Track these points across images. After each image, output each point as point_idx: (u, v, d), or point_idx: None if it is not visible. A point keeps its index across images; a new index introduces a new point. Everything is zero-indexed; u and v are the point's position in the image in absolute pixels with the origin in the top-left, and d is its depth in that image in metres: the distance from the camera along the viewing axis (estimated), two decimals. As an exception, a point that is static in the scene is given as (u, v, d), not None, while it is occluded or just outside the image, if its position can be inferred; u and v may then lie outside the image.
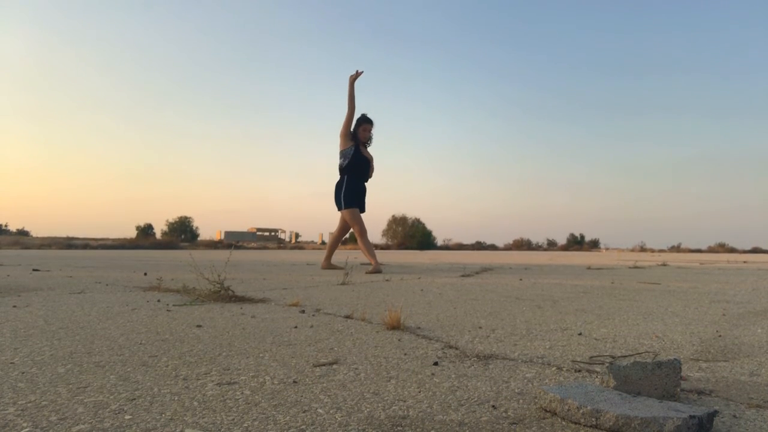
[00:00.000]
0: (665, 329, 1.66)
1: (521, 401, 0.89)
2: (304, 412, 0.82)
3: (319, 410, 0.82)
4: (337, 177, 4.98)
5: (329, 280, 3.56)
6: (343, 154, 4.89)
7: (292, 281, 3.53)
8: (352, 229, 5.02)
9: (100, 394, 0.90)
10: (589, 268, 6.22)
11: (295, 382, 0.99)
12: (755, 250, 35.89)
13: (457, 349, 1.32)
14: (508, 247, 43.97)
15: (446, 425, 0.77)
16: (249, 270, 4.98)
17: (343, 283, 3.25)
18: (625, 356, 1.25)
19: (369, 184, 5.09)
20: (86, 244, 22.84)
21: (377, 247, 30.42)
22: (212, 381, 0.99)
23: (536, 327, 1.67)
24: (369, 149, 5.05)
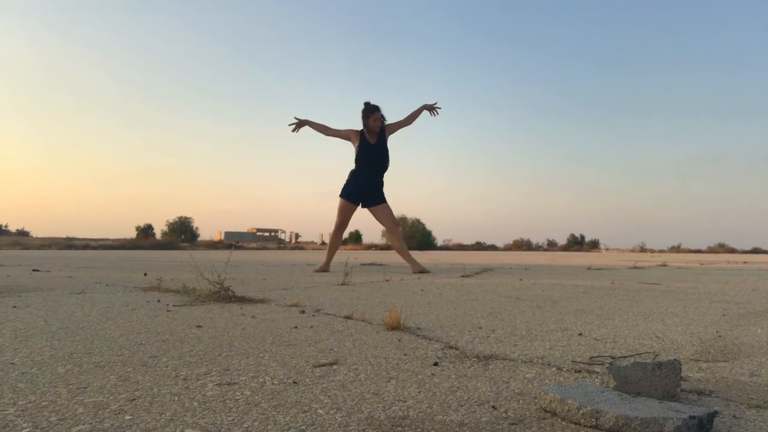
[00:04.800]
0: (665, 329, 1.66)
1: (521, 401, 0.89)
2: (304, 412, 0.82)
3: (319, 411, 0.82)
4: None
5: (329, 281, 3.56)
6: (354, 156, 4.87)
7: (292, 281, 3.53)
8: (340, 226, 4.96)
9: (100, 394, 0.90)
10: (589, 268, 6.22)
11: (295, 382, 0.99)
12: (755, 251, 35.87)
13: (457, 349, 1.32)
14: (508, 248, 43.98)
15: (446, 426, 0.77)
16: (249, 270, 4.98)
17: (343, 284, 3.25)
18: (625, 356, 1.25)
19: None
20: (86, 245, 22.84)
21: (378, 247, 30.41)
22: (212, 381, 0.99)
23: (536, 327, 1.67)
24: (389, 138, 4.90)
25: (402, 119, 4.99)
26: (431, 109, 5.03)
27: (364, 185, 4.81)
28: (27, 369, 1.07)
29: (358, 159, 4.80)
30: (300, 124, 4.84)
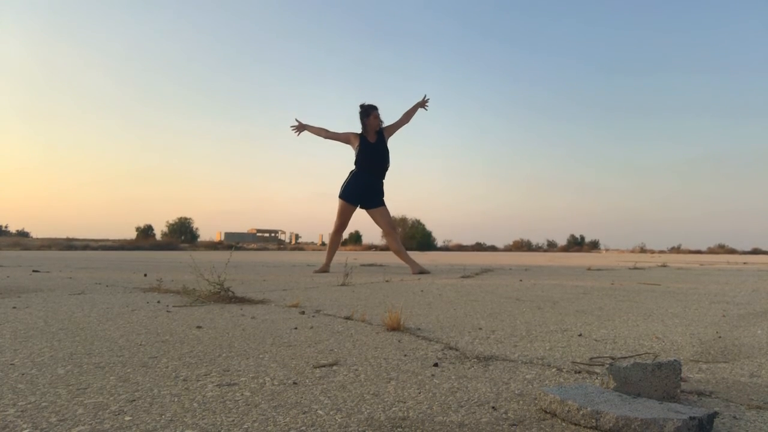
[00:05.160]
0: (665, 330, 1.66)
1: (521, 402, 0.89)
2: (304, 413, 0.82)
3: (319, 411, 0.82)
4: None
5: (329, 281, 3.56)
6: (355, 158, 4.85)
7: (292, 282, 3.53)
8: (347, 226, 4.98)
9: (100, 395, 0.90)
10: (589, 269, 6.22)
11: (295, 383, 0.99)
12: (755, 251, 35.86)
13: (457, 350, 1.32)
14: (508, 248, 43.96)
15: (446, 426, 0.77)
16: (249, 271, 4.98)
17: (343, 285, 3.25)
18: (625, 357, 1.25)
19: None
20: (86, 245, 22.85)
21: (378, 248, 30.42)
22: (212, 382, 0.99)
23: (536, 328, 1.67)
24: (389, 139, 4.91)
25: (398, 120, 5.00)
26: (423, 104, 5.09)
27: (364, 186, 4.80)
28: (27, 370, 1.07)
29: (359, 160, 4.79)
30: (300, 127, 4.86)
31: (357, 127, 4.85)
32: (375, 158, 4.80)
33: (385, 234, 5.03)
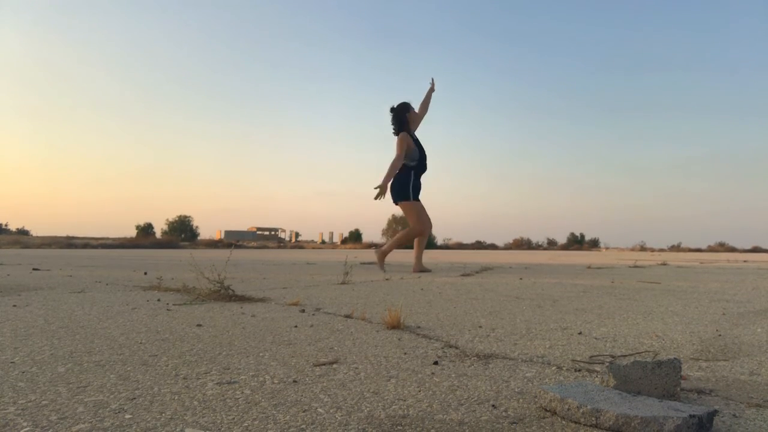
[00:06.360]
0: (665, 328, 1.66)
1: (521, 400, 0.89)
2: (304, 411, 0.82)
3: (319, 409, 0.82)
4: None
5: (329, 280, 3.56)
6: (410, 157, 4.69)
7: (292, 280, 3.53)
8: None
9: (100, 393, 0.90)
10: (589, 267, 6.22)
11: (295, 381, 0.99)
12: (755, 250, 35.89)
13: (457, 348, 1.32)
14: (508, 247, 43.98)
15: (446, 424, 0.77)
16: (249, 269, 4.98)
17: (343, 283, 3.25)
18: (625, 355, 1.25)
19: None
20: (86, 244, 22.85)
21: (378, 246, 30.41)
22: (212, 380, 0.99)
23: (536, 326, 1.67)
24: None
25: (419, 114, 4.94)
26: (433, 88, 5.07)
27: (419, 184, 4.78)
28: (27, 368, 1.07)
29: (417, 157, 4.68)
30: (383, 189, 4.56)
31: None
32: (424, 153, 4.79)
33: (427, 225, 4.88)
